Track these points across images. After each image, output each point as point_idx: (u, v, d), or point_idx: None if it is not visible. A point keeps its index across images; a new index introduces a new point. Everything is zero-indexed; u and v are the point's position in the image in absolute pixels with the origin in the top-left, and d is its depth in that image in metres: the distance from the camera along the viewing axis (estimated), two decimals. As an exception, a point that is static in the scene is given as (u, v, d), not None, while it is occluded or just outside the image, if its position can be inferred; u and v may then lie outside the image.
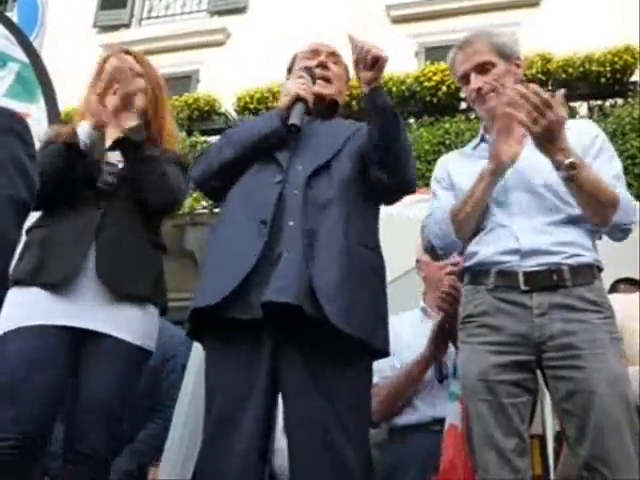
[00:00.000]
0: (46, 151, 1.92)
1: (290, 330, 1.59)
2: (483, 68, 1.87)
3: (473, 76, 1.88)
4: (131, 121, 1.97)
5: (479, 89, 1.86)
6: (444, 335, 2.21)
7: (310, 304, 1.55)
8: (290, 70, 2.06)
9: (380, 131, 1.74)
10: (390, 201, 1.91)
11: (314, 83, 1.89)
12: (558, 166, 1.67)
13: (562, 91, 1.68)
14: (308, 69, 1.90)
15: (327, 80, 1.93)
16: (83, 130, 1.97)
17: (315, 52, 2.00)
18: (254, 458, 1.56)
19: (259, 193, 1.72)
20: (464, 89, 1.96)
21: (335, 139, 1.84)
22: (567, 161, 1.65)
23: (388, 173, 1.75)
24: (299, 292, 1.55)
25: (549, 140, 1.65)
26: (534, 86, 1.66)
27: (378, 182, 1.78)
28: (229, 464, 1.54)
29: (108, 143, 2.05)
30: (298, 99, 1.79)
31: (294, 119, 1.75)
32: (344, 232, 1.68)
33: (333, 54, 2.01)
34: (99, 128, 2.00)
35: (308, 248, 1.61)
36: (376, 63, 1.71)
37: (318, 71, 1.93)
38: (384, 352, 1.72)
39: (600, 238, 1.80)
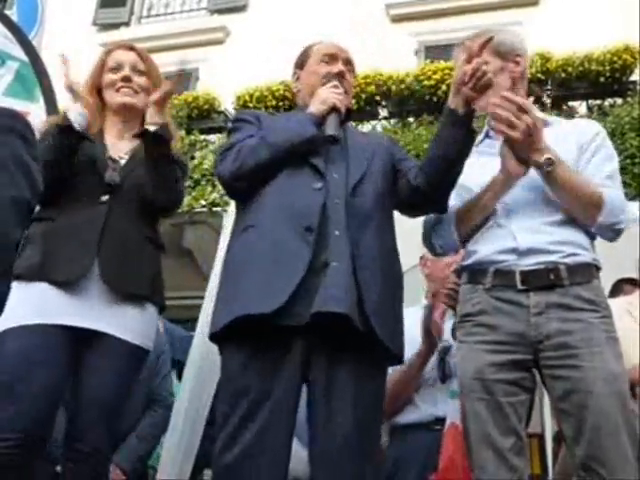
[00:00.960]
0: (42, 141, 1.86)
1: (322, 337, 1.61)
2: None
3: None
4: (160, 118, 1.91)
5: None
6: (433, 328, 2.25)
7: (357, 315, 1.59)
8: (302, 65, 2.02)
9: (450, 159, 1.75)
10: (425, 213, 1.93)
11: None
12: (537, 165, 1.68)
13: (531, 98, 1.69)
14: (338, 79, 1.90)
15: (345, 92, 1.91)
16: (74, 111, 1.92)
17: (333, 57, 1.97)
18: (279, 460, 1.57)
19: (299, 199, 1.71)
20: None
21: (364, 151, 1.87)
22: (544, 157, 1.67)
23: (436, 188, 1.78)
24: (351, 303, 1.59)
25: (527, 143, 1.66)
26: (506, 93, 1.69)
27: (418, 195, 1.80)
28: (251, 465, 1.54)
29: (109, 138, 2.04)
30: (333, 109, 1.80)
31: (332, 130, 1.76)
32: (382, 245, 1.75)
33: (348, 62, 1.99)
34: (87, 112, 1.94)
35: (354, 259, 1.65)
36: (486, 88, 1.67)
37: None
38: (400, 359, 1.76)
39: (594, 239, 1.80)
